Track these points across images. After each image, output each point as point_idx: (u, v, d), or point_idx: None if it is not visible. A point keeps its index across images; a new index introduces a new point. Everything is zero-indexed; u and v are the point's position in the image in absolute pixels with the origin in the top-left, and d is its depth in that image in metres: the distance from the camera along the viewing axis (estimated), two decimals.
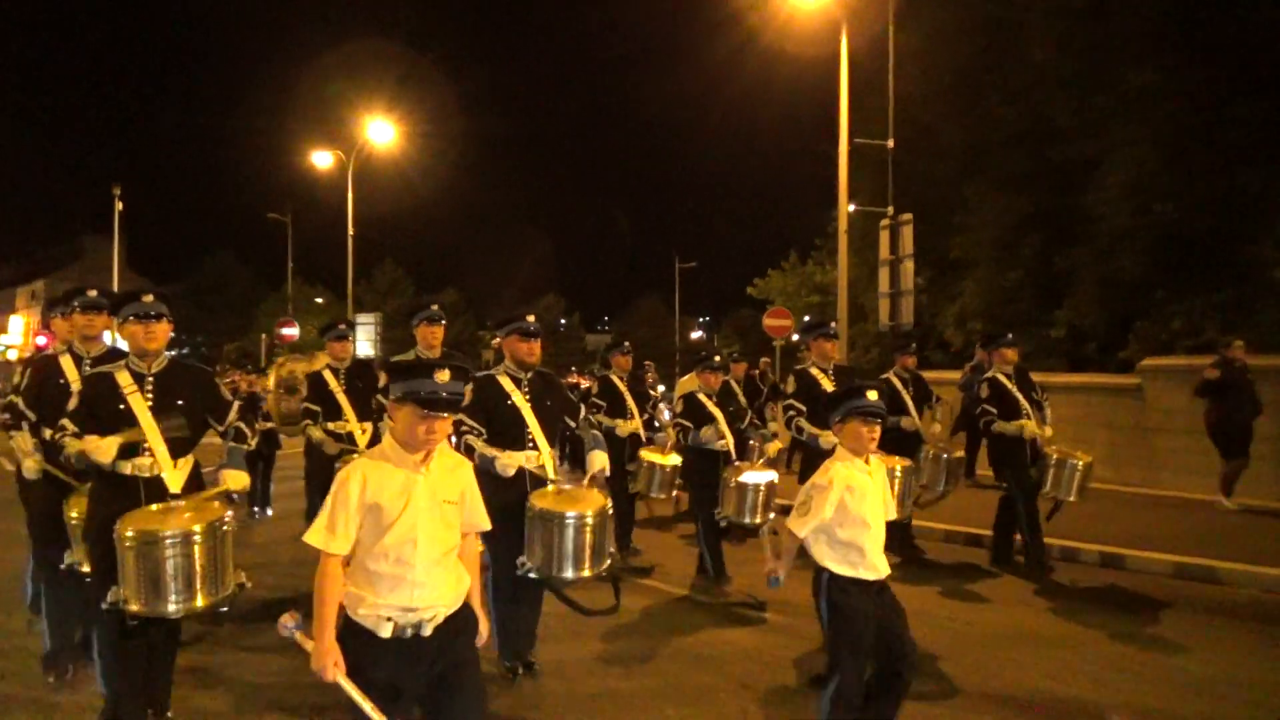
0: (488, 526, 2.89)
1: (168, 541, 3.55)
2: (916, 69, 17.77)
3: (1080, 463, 6.65)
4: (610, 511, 4.47)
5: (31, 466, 4.47)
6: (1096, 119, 13.27)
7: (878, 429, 3.59)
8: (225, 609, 3.88)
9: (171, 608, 3.61)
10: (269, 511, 9.68)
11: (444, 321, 6.33)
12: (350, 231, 24.49)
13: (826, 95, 14.41)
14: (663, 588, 6.66)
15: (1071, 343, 15.43)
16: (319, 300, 40.06)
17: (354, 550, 2.60)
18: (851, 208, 15.13)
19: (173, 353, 4.21)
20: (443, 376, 2.60)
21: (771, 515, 6.36)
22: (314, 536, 2.59)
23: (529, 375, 4.76)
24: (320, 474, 6.44)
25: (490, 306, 43.53)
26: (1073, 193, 14.23)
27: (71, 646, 4.66)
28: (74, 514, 4.24)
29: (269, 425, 10.21)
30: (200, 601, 3.63)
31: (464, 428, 4.52)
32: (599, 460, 4.76)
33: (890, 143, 12.57)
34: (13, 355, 40.69)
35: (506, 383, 4.69)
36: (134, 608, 3.59)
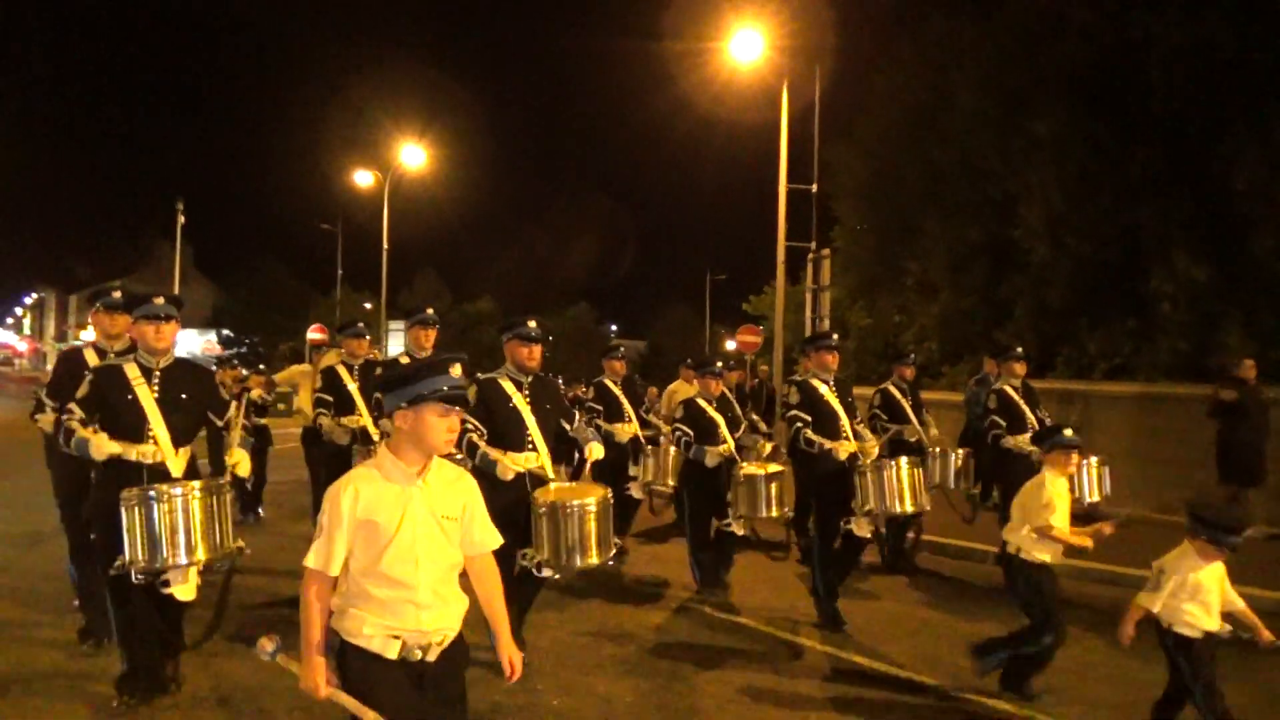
0: (498, 544, 2.74)
1: (165, 498, 3.79)
2: (877, 108, 19.47)
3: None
4: (610, 501, 4.57)
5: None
6: (1014, 160, 14.73)
7: (1076, 455, 4.86)
8: (228, 565, 4.13)
9: (171, 560, 3.80)
10: (260, 513, 9.62)
11: (437, 325, 6.52)
12: (385, 246, 26.93)
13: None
14: (667, 596, 6.66)
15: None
16: (367, 305, 42.65)
17: (349, 570, 2.48)
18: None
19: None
20: (456, 370, 2.54)
21: (787, 509, 6.48)
22: (312, 559, 2.48)
23: (529, 379, 4.88)
24: (323, 468, 6.80)
25: (523, 314, 45.82)
26: (1006, 226, 15.68)
27: (105, 614, 4.70)
28: None
29: (261, 421, 10.28)
30: (202, 554, 3.84)
31: (468, 426, 4.57)
32: (596, 450, 4.95)
33: (814, 187, 14.15)
34: None
35: (508, 385, 4.81)
36: (139, 565, 3.78)
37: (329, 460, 6.65)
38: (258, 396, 10.16)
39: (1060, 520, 4.64)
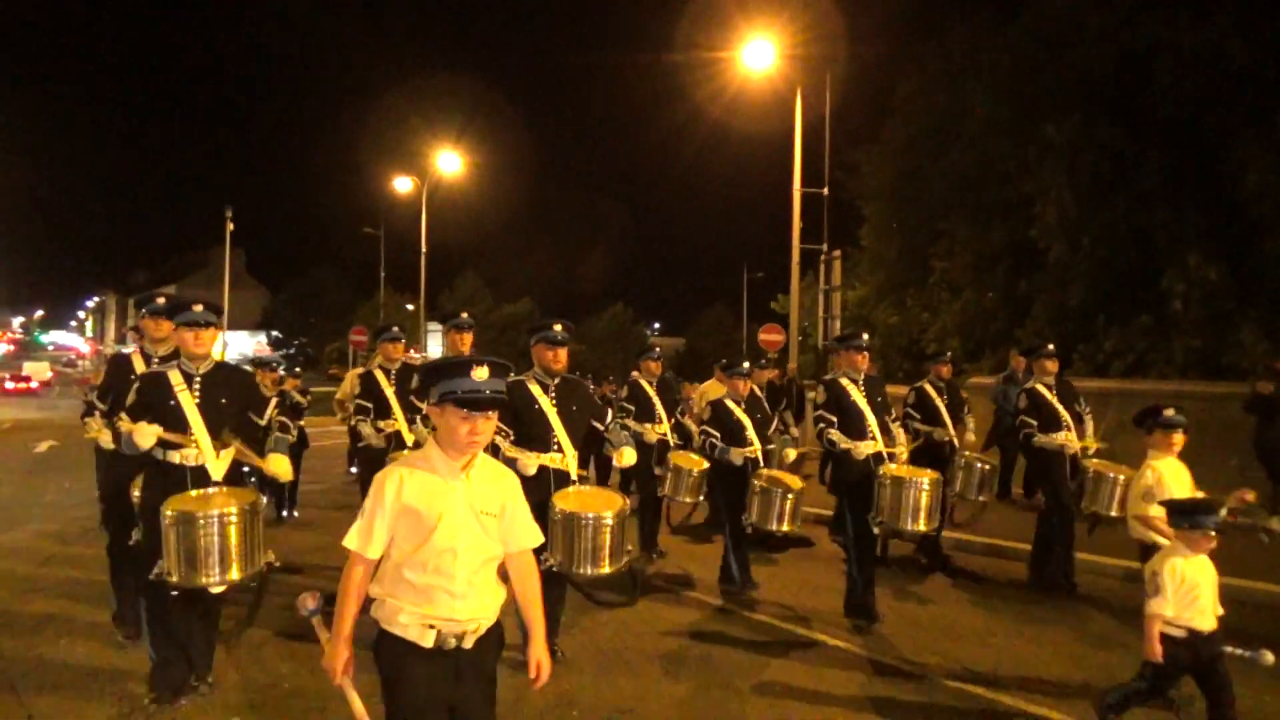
0: (538, 541, 2.75)
1: (202, 522, 3.88)
2: (903, 113, 19.75)
3: (1120, 477, 6.38)
4: (628, 512, 4.61)
5: (106, 439, 5.05)
6: (1029, 165, 14.96)
7: (1178, 435, 4.67)
8: (255, 584, 4.22)
9: (206, 580, 3.91)
10: (295, 514, 9.74)
11: (473, 328, 6.40)
12: (423, 249, 27.81)
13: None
14: (697, 596, 6.61)
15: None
16: (409, 307, 43.75)
17: (390, 557, 2.51)
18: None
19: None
20: (481, 373, 2.50)
21: (799, 523, 6.39)
22: (352, 540, 2.51)
23: (555, 381, 4.89)
24: (370, 472, 6.49)
25: (561, 315, 46.57)
26: (1025, 228, 15.91)
27: (139, 609, 4.84)
28: (137, 492, 4.53)
29: (298, 423, 10.02)
30: (235, 575, 3.95)
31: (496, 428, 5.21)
32: (628, 455, 4.99)
33: (825, 191, 14.50)
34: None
35: (535, 388, 4.83)
36: (174, 579, 3.90)
37: (368, 464, 6.72)
38: (285, 391, 10.15)
39: (1153, 519, 4.46)
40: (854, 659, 5.20)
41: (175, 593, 3.99)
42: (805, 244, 14.49)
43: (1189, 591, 3.78)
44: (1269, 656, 3.66)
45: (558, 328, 4.90)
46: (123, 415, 4.21)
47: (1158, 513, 4.37)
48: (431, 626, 2.46)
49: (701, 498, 7.54)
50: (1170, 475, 4.61)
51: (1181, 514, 3.90)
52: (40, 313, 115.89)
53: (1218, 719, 3.79)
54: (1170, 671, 3.83)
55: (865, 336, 6.18)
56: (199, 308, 4.28)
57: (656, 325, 70.63)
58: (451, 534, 2.48)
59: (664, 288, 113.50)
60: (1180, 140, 13.51)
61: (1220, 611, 3.84)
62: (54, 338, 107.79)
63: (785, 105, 14.62)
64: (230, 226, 27.30)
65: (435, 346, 31.44)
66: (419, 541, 2.46)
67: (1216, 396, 11.16)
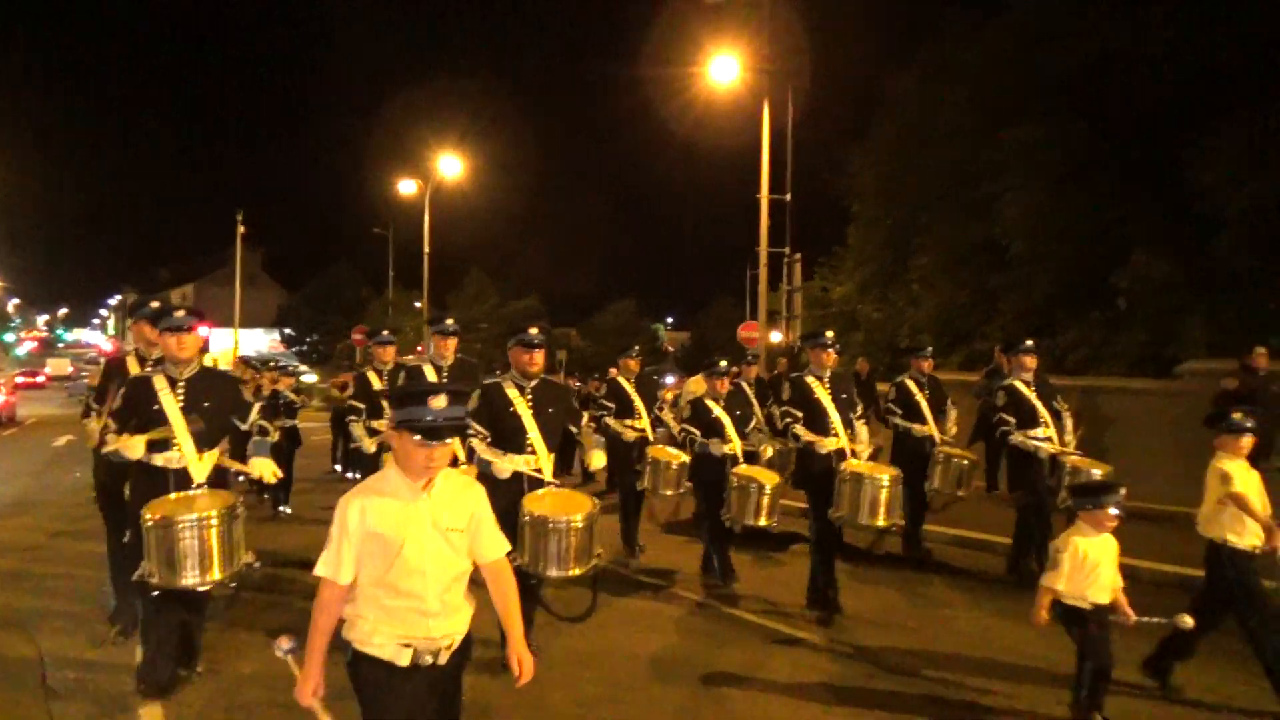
0: (506, 549, 2.79)
1: (180, 526, 3.95)
2: (886, 114, 20.42)
3: (1099, 473, 6.45)
4: (597, 515, 4.63)
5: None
6: (995, 165, 15.59)
7: (1246, 439, 4.61)
8: (234, 584, 4.37)
9: (186, 582, 3.98)
10: (288, 509, 9.78)
11: (457, 334, 6.45)
12: (426, 250, 28.70)
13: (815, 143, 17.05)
14: (677, 592, 6.67)
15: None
16: (418, 304, 44.67)
17: (360, 581, 2.53)
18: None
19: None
20: (438, 403, 2.52)
21: (776, 518, 6.42)
22: (323, 568, 2.55)
23: (532, 384, 4.91)
24: (366, 471, 6.31)
25: (568, 311, 47.60)
26: (993, 226, 16.53)
27: (131, 605, 5.04)
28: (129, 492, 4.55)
29: (291, 423, 10.37)
30: (216, 575, 4.03)
31: (469, 431, 4.70)
32: (598, 459, 5.10)
33: (788, 197, 15.21)
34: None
35: (511, 391, 4.86)
36: (155, 580, 3.98)
37: (360, 464, 6.89)
38: (279, 390, 10.30)
39: (1245, 497, 4.52)
40: (834, 655, 5.20)
41: (156, 593, 4.09)
42: (779, 247, 15.20)
43: (1091, 569, 3.95)
44: (1188, 620, 3.87)
45: (533, 331, 4.96)
46: (108, 421, 4.38)
47: (1227, 495, 4.48)
48: (408, 645, 2.51)
49: (682, 490, 7.52)
50: (1242, 476, 4.60)
51: (1086, 494, 4.12)
52: (65, 311, 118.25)
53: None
54: (1099, 644, 3.97)
55: (830, 334, 6.30)
56: (181, 313, 4.41)
57: (669, 320, 71.30)
58: (419, 555, 2.51)
59: (674, 283, 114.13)
60: (1136, 142, 14.09)
61: (1120, 583, 4.04)
62: (78, 335, 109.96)
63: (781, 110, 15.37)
64: (241, 229, 28.47)
65: None
66: (387, 565, 2.50)
67: (1164, 392, 11.81)
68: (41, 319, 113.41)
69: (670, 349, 53.29)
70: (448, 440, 2.55)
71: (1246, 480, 4.60)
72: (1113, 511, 3.97)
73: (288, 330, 56.82)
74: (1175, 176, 13.10)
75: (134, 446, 4.17)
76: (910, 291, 21.03)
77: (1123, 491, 4.05)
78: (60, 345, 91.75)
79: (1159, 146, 13.42)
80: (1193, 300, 13.62)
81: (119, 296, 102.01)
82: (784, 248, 15.22)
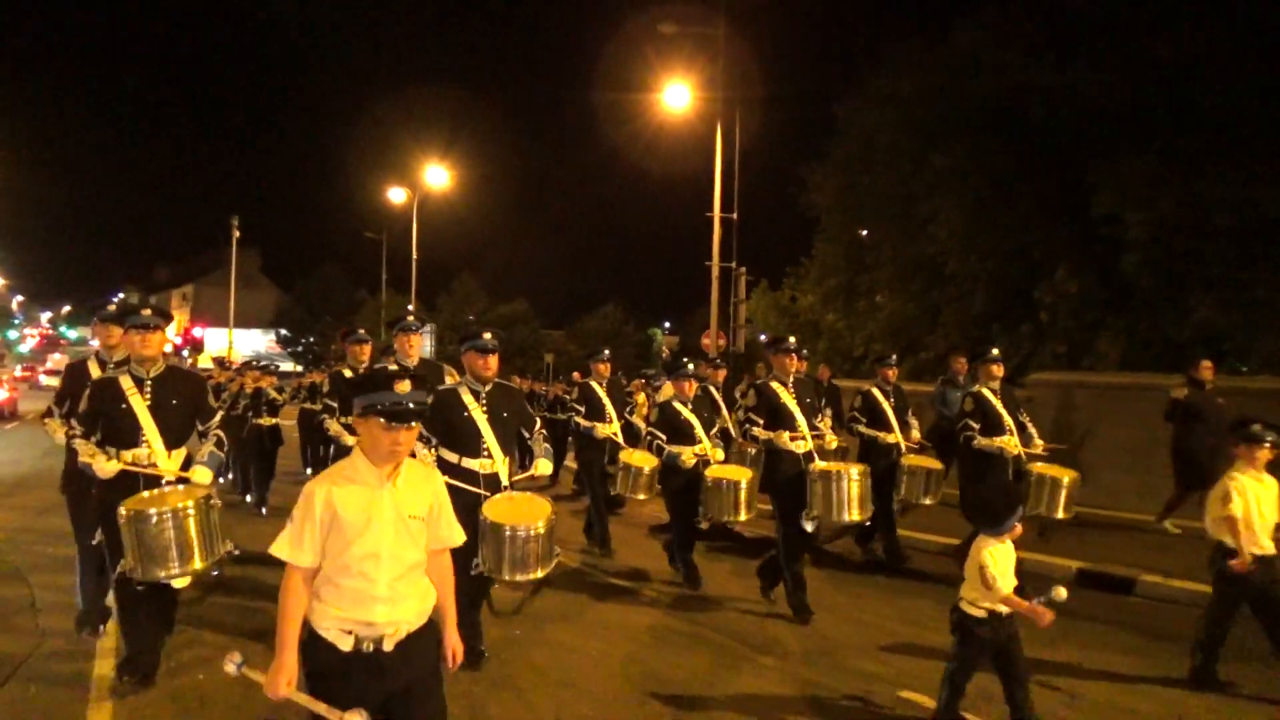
0: (460, 541, 2.86)
1: (156, 518, 3.96)
2: (844, 133, 21.59)
3: (1065, 479, 6.47)
4: (555, 519, 4.65)
5: (61, 439, 5.03)
6: (927, 188, 16.76)
7: (1263, 450, 4.68)
8: (217, 572, 4.56)
9: (166, 574, 4.01)
10: (263, 511, 9.74)
11: (419, 331, 6.40)
12: (414, 255, 29.99)
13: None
14: (649, 593, 6.68)
15: (940, 365, 18.81)
16: (410, 307, 45.82)
17: (323, 564, 2.59)
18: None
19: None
20: (403, 387, 2.57)
21: (754, 512, 6.41)
22: (280, 548, 2.60)
23: (487, 388, 4.92)
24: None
25: (555, 314, 48.75)
26: (928, 244, 17.69)
27: (100, 608, 5.13)
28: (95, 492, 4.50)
29: (274, 421, 10.50)
30: (197, 564, 4.06)
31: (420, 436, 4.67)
32: (543, 466, 5.03)
33: (735, 214, 16.36)
34: (168, 349, 48.53)
35: (466, 395, 4.87)
36: (137, 575, 4.00)
37: (337, 457, 6.55)
38: (261, 388, 10.55)
39: (1244, 511, 4.64)
40: (802, 663, 5.16)
41: (141, 587, 4.14)
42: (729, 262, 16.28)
43: (1000, 578, 3.93)
44: (1061, 591, 3.84)
45: (487, 336, 5.00)
46: (74, 423, 4.44)
47: (1222, 517, 4.65)
48: (349, 631, 2.56)
49: (654, 494, 7.52)
50: (1249, 488, 4.72)
51: (990, 511, 4.10)
52: (68, 308, 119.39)
53: (1016, 693, 3.97)
54: (977, 652, 4.03)
55: (793, 340, 6.30)
56: (147, 312, 4.44)
57: (666, 324, 72.20)
58: (376, 540, 2.57)
59: (671, 289, 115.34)
60: (1051, 168, 15.27)
61: (1014, 583, 4.04)
62: (81, 333, 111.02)
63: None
64: (237, 233, 29.60)
65: (424, 347, 33.41)
66: (345, 547, 2.56)
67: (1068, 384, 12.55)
68: (45, 316, 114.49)
69: (666, 352, 54.28)
70: (412, 423, 2.61)
71: (1258, 491, 4.72)
72: (1016, 520, 4.03)
73: (284, 331, 57.96)
74: (1084, 201, 14.24)
75: (108, 470, 4.20)
76: (868, 303, 22.20)
77: (1019, 510, 4.10)
78: (63, 342, 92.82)
79: (1071, 173, 14.56)
80: (1105, 316, 14.78)
81: (121, 295, 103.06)
82: (732, 262, 16.32)
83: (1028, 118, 15.20)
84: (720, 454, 7.05)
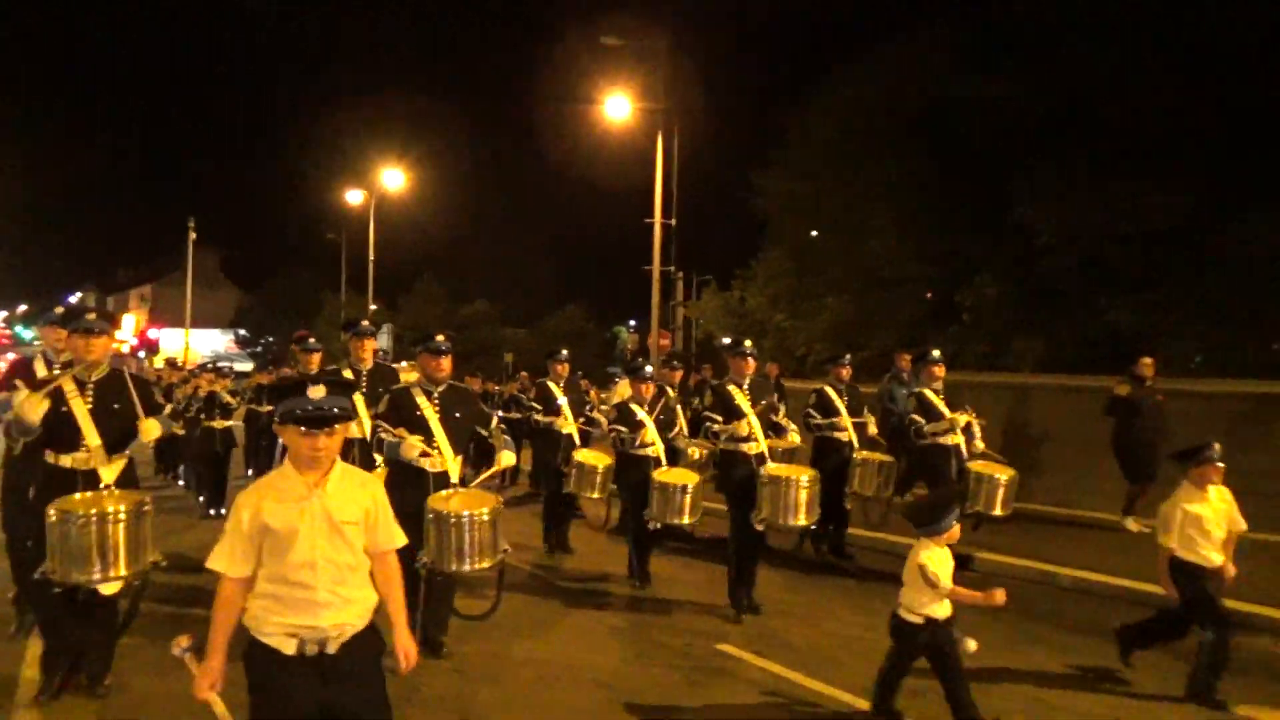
0: (402, 543, 2.86)
1: (82, 520, 3.87)
2: (793, 144, 22.40)
3: (1002, 477, 6.58)
4: (501, 511, 4.68)
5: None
6: (860, 196, 17.59)
7: (1210, 469, 4.67)
8: (139, 584, 4.22)
9: (84, 578, 3.89)
10: (222, 511, 9.54)
11: (373, 335, 6.39)
12: (371, 257, 30.28)
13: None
14: (607, 592, 6.75)
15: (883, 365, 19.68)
16: (373, 308, 45.90)
17: (259, 572, 2.60)
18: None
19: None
20: (317, 392, 2.57)
21: (699, 516, 6.48)
22: (215, 561, 2.61)
23: (440, 389, 5.01)
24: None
25: (519, 315, 48.98)
26: (863, 249, 18.52)
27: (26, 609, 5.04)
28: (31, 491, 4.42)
29: (228, 424, 10.40)
30: (122, 571, 3.93)
31: (380, 429, 4.94)
32: (507, 458, 5.14)
33: (674, 220, 17.04)
34: (125, 349, 48.40)
35: (419, 395, 4.97)
36: (55, 577, 3.89)
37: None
38: (215, 392, 10.50)
39: (1204, 527, 4.69)
40: (756, 667, 5.18)
41: (58, 590, 4.02)
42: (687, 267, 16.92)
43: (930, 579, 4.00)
44: (971, 645, 3.96)
45: (439, 338, 5.10)
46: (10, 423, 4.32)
47: (1199, 531, 4.69)
48: (293, 635, 2.56)
49: (609, 493, 7.55)
50: (1205, 504, 4.74)
51: (928, 511, 4.27)
52: (24, 307, 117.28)
53: (955, 699, 4.00)
54: (912, 653, 4.12)
55: (749, 344, 6.48)
56: (91, 316, 4.40)
57: (632, 323, 72.83)
58: (309, 548, 2.58)
59: (636, 289, 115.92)
60: (972, 177, 16.14)
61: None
62: (36, 333, 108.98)
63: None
64: (193, 235, 29.74)
65: (381, 347, 33.79)
66: (280, 557, 2.58)
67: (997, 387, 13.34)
68: (0, 316, 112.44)
69: (631, 351, 54.84)
70: (330, 429, 2.60)
71: (1202, 511, 4.73)
72: (954, 527, 4.13)
73: (243, 331, 57.67)
74: (1004, 208, 15.10)
75: (34, 407, 4.08)
76: (813, 304, 23.00)
77: (956, 510, 4.22)
78: (20, 345, 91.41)
79: (991, 182, 15.42)
80: (1025, 317, 15.67)
81: (79, 295, 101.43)
82: (670, 266, 16.99)
83: (952, 130, 16.02)
84: (697, 452, 7.27)
